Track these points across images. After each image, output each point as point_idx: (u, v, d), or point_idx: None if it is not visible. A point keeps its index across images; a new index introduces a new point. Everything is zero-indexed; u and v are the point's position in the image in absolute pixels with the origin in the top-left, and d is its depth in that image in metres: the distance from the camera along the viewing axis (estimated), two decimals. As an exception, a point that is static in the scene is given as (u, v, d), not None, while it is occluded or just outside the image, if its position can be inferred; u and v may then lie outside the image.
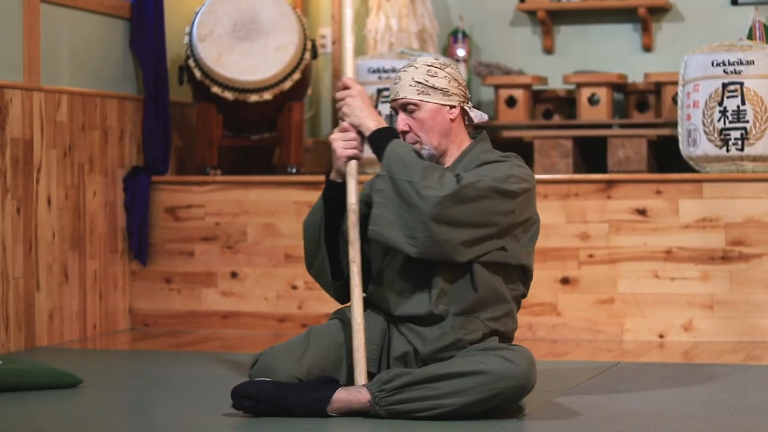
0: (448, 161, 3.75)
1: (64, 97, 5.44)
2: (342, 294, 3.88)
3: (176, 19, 6.25)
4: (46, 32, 5.38)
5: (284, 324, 5.72)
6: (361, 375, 3.62)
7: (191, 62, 6.00)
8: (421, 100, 3.71)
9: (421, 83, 3.70)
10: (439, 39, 6.87)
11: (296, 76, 6.03)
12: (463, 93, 3.76)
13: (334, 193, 3.77)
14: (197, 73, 5.98)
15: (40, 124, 5.28)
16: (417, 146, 3.71)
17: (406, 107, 3.72)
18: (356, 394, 3.56)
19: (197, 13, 6.05)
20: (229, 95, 5.98)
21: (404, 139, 3.72)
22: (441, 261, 3.61)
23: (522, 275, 3.77)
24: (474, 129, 3.87)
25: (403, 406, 3.52)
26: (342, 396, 3.56)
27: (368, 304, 3.80)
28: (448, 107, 3.73)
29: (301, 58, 6.06)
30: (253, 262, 5.76)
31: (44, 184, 5.29)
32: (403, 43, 6.64)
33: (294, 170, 6.17)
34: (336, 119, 6.91)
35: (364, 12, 7.00)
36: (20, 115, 5.15)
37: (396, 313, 3.71)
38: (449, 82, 3.73)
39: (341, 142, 3.70)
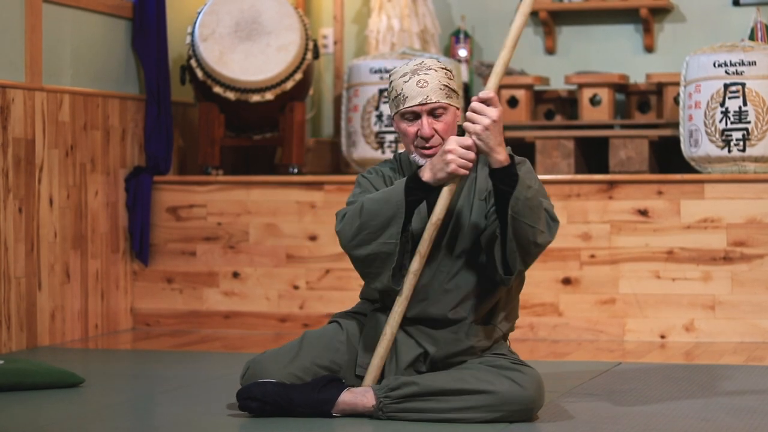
0: None
1: (66, 97, 5.44)
2: (379, 292, 3.68)
3: (178, 19, 6.25)
4: (48, 32, 5.38)
5: (285, 324, 5.72)
6: (370, 381, 3.60)
7: (193, 62, 6.01)
8: (449, 104, 3.60)
9: (447, 87, 3.59)
10: (441, 39, 6.87)
11: (298, 76, 6.04)
12: None
13: (418, 196, 3.54)
14: (199, 73, 5.99)
15: (42, 123, 5.28)
16: (437, 149, 3.56)
17: (434, 111, 3.58)
18: (361, 397, 3.55)
19: (199, 13, 6.05)
20: (230, 95, 5.98)
21: (427, 143, 3.57)
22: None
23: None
24: None
25: (407, 415, 3.52)
26: (347, 398, 3.56)
27: (382, 305, 3.72)
28: (458, 108, 3.67)
29: (303, 58, 6.06)
30: (254, 262, 5.76)
31: (46, 183, 5.30)
32: (405, 44, 6.64)
33: (295, 170, 6.17)
34: (337, 119, 6.91)
35: (366, 12, 7.00)
36: (22, 115, 5.16)
37: (410, 315, 3.64)
38: (457, 84, 3.71)
39: (460, 159, 3.46)
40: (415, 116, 3.58)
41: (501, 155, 3.44)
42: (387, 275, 3.54)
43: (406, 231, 3.54)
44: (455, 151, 3.46)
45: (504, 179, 3.44)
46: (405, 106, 3.57)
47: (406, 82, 3.58)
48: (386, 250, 3.53)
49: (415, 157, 3.61)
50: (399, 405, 3.51)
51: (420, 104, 3.56)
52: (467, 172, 3.48)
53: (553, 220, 3.55)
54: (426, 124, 3.56)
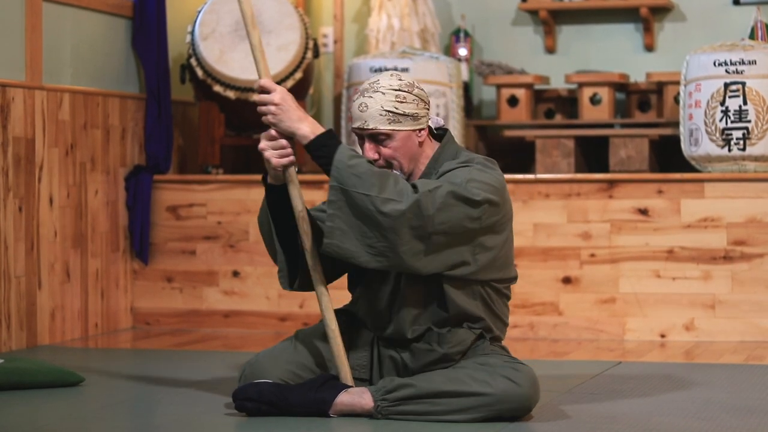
0: (416, 176, 3.63)
1: (66, 96, 5.44)
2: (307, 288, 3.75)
3: (178, 18, 6.25)
4: (49, 31, 5.38)
5: (285, 323, 5.72)
6: (345, 381, 3.62)
7: (193, 61, 6.01)
8: (393, 130, 3.55)
9: (391, 112, 3.53)
10: (441, 38, 6.87)
11: (298, 75, 6.03)
12: (428, 110, 3.62)
13: (278, 197, 3.63)
14: (199, 72, 5.99)
15: (42, 122, 5.28)
16: (393, 170, 3.56)
17: (375, 137, 3.56)
18: (359, 399, 3.55)
19: (199, 12, 6.05)
20: (230, 94, 5.98)
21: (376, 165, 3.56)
22: (402, 272, 3.51)
23: (505, 282, 3.69)
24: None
25: (405, 417, 3.51)
26: (345, 399, 3.55)
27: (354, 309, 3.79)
28: (417, 131, 3.60)
29: (303, 57, 6.06)
30: (254, 261, 5.76)
31: (46, 182, 5.30)
32: (405, 43, 6.64)
33: (296, 169, 6.16)
34: (337, 118, 6.91)
35: (366, 11, 7.00)
36: (22, 114, 5.16)
37: (377, 336, 3.71)
38: (417, 105, 3.58)
39: (273, 152, 3.52)
40: (360, 137, 3.60)
41: (303, 130, 3.49)
42: (284, 281, 3.70)
43: (289, 236, 3.63)
44: (265, 147, 3.52)
45: (316, 151, 3.49)
46: (351, 125, 3.61)
47: (355, 101, 3.58)
48: (273, 258, 3.69)
49: None
50: (397, 408, 3.51)
51: (358, 128, 3.58)
52: (291, 158, 3.53)
53: (415, 192, 3.40)
54: (367, 148, 3.57)
